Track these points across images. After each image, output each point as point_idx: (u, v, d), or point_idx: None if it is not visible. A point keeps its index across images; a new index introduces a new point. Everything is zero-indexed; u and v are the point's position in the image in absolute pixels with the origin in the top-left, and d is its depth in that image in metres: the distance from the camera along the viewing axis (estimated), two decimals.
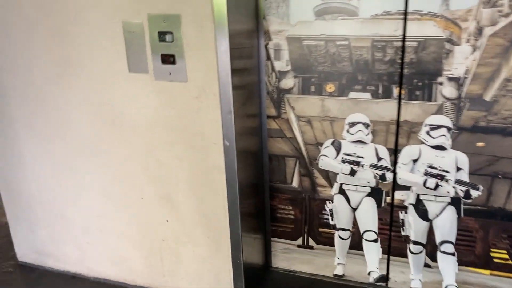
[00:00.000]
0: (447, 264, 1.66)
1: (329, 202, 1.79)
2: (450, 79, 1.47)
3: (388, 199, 1.70)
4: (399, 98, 1.56)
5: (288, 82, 1.67)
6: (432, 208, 1.63)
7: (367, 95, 1.59)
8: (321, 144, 1.72)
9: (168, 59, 1.47)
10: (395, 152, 1.63)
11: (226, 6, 1.35)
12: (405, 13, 1.44)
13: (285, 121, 1.73)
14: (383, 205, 1.71)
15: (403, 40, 1.48)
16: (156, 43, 1.47)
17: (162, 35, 1.45)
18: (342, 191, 1.75)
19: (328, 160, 1.72)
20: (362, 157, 1.67)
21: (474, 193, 1.55)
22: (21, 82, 1.68)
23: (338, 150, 1.70)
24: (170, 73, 1.49)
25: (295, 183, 1.81)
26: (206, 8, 1.37)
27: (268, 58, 1.65)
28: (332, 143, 1.70)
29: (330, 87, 1.63)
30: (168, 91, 1.51)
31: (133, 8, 1.44)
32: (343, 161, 1.70)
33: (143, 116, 1.57)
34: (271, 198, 1.86)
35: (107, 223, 1.81)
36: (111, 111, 1.61)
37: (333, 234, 1.82)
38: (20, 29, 1.60)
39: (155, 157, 1.62)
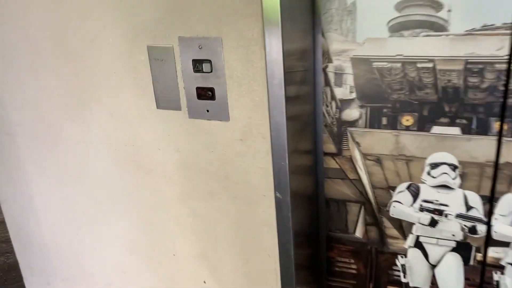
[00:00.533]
0: None
1: (402, 257, 1.45)
2: None
3: (479, 256, 1.36)
4: (500, 134, 1.21)
5: (352, 113, 1.34)
6: None
7: (456, 130, 1.25)
8: (394, 188, 1.38)
9: (205, 93, 1.17)
10: (490, 201, 1.29)
11: (279, 25, 1.03)
12: None
13: (347, 159, 1.40)
14: (471, 263, 1.37)
15: (509, 62, 1.13)
16: (190, 74, 1.16)
17: (197, 64, 1.15)
18: (418, 245, 1.42)
19: (402, 207, 1.39)
20: (446, 205, 1.34)
21: None
22: (28, 118, 1.41)
23: (415, 196, 1.36)
24: (208, 110, 1.19)
25: (358, 233, 1.48)
26: (255, 30, 1.05)
27: (327, 84, 1.32)
28: (408, 188, 1.36)
29: (407, 120, 1.29)
30: (205, 132, 1.21)
31: (160, 30, 1.13)
32: (422, 209, 1.36)
33: (175, 160, 1.28)
34: (328, 249, 1.54)
35: (133, 280, 1.52)
36: (136, 153, 1.31)
37: None
38: (26, 56, 1.32)
39: (190, 208, 1.33)
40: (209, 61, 1.13)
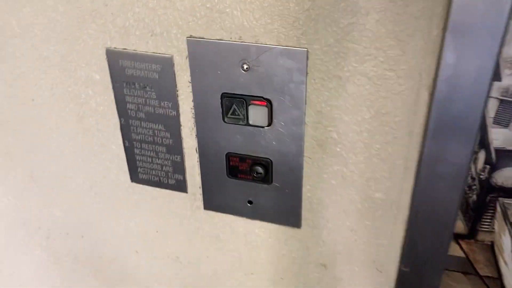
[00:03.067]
0: None
1: None
2: None
3: None
4: None
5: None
6: None
7: None
8: None
9: (249, 168, 0.50)
10: None
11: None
12: None
13: (483, 247, 0.77)
14: None
15: None
16: (213, 124, 0.47)
17: (235, 105, 0.46)
18: None
19: None
20: None
21: None
22: None
23: None
24: (250, 202, 0.52)
25: None
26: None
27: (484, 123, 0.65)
28: None
29: None
30: (241, 240, 0.55)
31: (141, 19, 0.42)
32: None
33: (172, 276, 0.61)
34: None
35: None
36: (89, 251, 0.64)
37: None
38: None
39: None
40: (267, 102, 0.45)
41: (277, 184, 0.49)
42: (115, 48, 0.47)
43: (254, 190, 0.51)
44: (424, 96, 0.39)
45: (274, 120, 0.45)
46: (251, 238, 0.55)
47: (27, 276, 0.74)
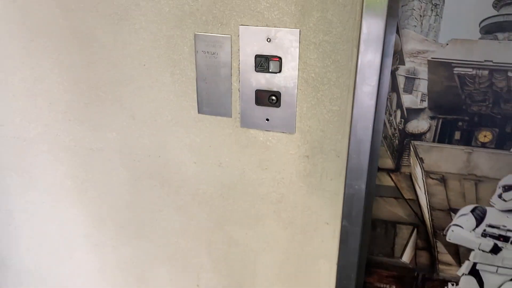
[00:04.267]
0: None
1: (453, 285, 1.30)
2: None
3: None
4: None
5: (420, 124, 1.14)
6: None
7: None
8: (455, 211, 1.21)
9: (268, 97, 0.92)
10: None
11: (384, 19, 0.80)
12: None
13: (405, 176, 1.21)
14: None
15: None
16: (250, 73, 0.91)
17: (262, 61, 0.89)
18: (474, 272, 1.26)
19: (462, 232, 1.22)
20: None
21: None
22: (15, 115, 1.09)
23: (479, 220, 1.20)
24: (268, 119, 0.94)
25: (405, 258, 1.31)
26: (347, 22, 0.82)
27: (394, 89, 1.12)
28: (473, 211, 1.20)
29: (485, 136, 1.11)
30: (261, 145, 0.97)
31: (216, 15, 0.87)
32: (485, 235, 1.21)
33: (214, 177, 1.02)
34: (367, 274, 1.35)
35: None
36: (162, 167, 1.05)
37: None
38: (18, 34, 0.99)
39: (227, 235, 1.08)
40: (279, 59, 0.88)
41: (283, 107, 0.93)
42: (199, 32, 0.91)
43: (270, 111, 0.94)
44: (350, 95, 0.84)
45: (283, 68, 0.90)
46: (266, 144, 0.97)
47: (114, 190, 1.13)
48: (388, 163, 1.20)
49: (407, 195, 1.22)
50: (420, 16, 1.02)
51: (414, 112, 1.12)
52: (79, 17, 0.94)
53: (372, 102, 0.86)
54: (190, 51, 0.92)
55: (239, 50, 0.90)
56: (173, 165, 1.03)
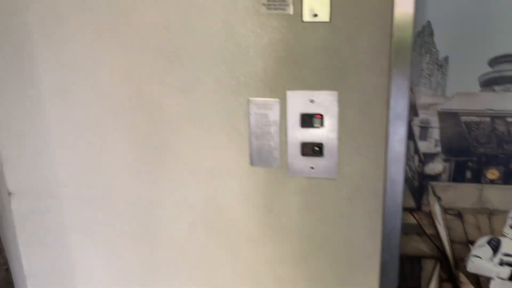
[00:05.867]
0: None
1: None
2: None
3: None
4: None
5: (435, 166, 1.31)
6: None
7: None
8: (473, 243, 1.36)
9: (312, 149, 1.08)
10: None
11: (408, 79, 0.99)
12: None
13: (426, 214, 1.36)
14: None
15: None
16: (296, 129, 1.07)
17: (306, 119, 1.06)
18: None
19: (481, 262, 1.36)
20: None
21: None
22: (80, 177, 1.22)
23: (495, 250, 1.35)
24: (312, 167, 1.09)
25: None
26: (378, 84, 1.00)
27: (411, 137, 1.30)
28: (489, 242, 1.35)
29: (492, 173, 1.29)
30: (307, 190, 1.11)
31: (266, 83, 1.05)
32: (502, 263, 1.35)
33: (265, 221, 1.16)
34: None
35: None
36: (217, 214, 1.18)
37: None
38: (84, 102, 1.15)
39: (276, 275, 1.20)
40: (321, 116, 1.05)
41: (326, 156, 1.09)
42: (252, 98, 1.08)
43: (314, 160, 1.10)
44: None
45: (325, 123, 1.07)
46: (312, 189, 1.12)
47: (173, 239, 1.24)
48: (410, 202, 1.35)
49: (429, 231, 1.37)
50: (429, 75, 1.21)
51: (430, 156, 1.30)
52: (147, 88, 1.10)
53: (402, 148, 1.03)
54: (244, 113, 1.08)
55: (286, 110, 1.07)
56: (227, 212, 1.17)
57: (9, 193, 1.28)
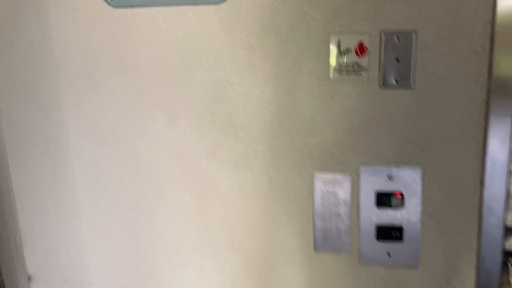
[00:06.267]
0: None
1: None
2: None
3: None
4: None
5: None
6: None
7: None
8: None
9: (390, 233, 0.92)
10: None
11: (507, 154, 0.83)
12: None
13: None
14: None
15: None
16: (370, 210, 0.91)
17: (383, 198, 0.90)
18: None
19: None
20: None
21: None
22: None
23: None
24: (389, 254, 0.93)
25: None
26: (468, 158, 0.85)
27: None
28: None
29: None
30: (382, 282, 0.94)
31: (336, 156, 0.90)
32: None
33: None
34: None
35: None
36: None
37: None
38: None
39: None
40: (401, 195, 0.89)
41: (406, 241, 0.93)
42: (317, 172, 0.93)
43: (391, 246, 0.93)
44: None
45: (405, 204, 0.91)
46: (388, 280, 0.95)
47: None
48: None
49: None
50: None
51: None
52: (196, 164, 0.96)
53: (499, 234, 0.87)
54: (308, 190, 0.93)
55: (359, 188, 0.91)
56: None
57: (29, 277, 1.12)
